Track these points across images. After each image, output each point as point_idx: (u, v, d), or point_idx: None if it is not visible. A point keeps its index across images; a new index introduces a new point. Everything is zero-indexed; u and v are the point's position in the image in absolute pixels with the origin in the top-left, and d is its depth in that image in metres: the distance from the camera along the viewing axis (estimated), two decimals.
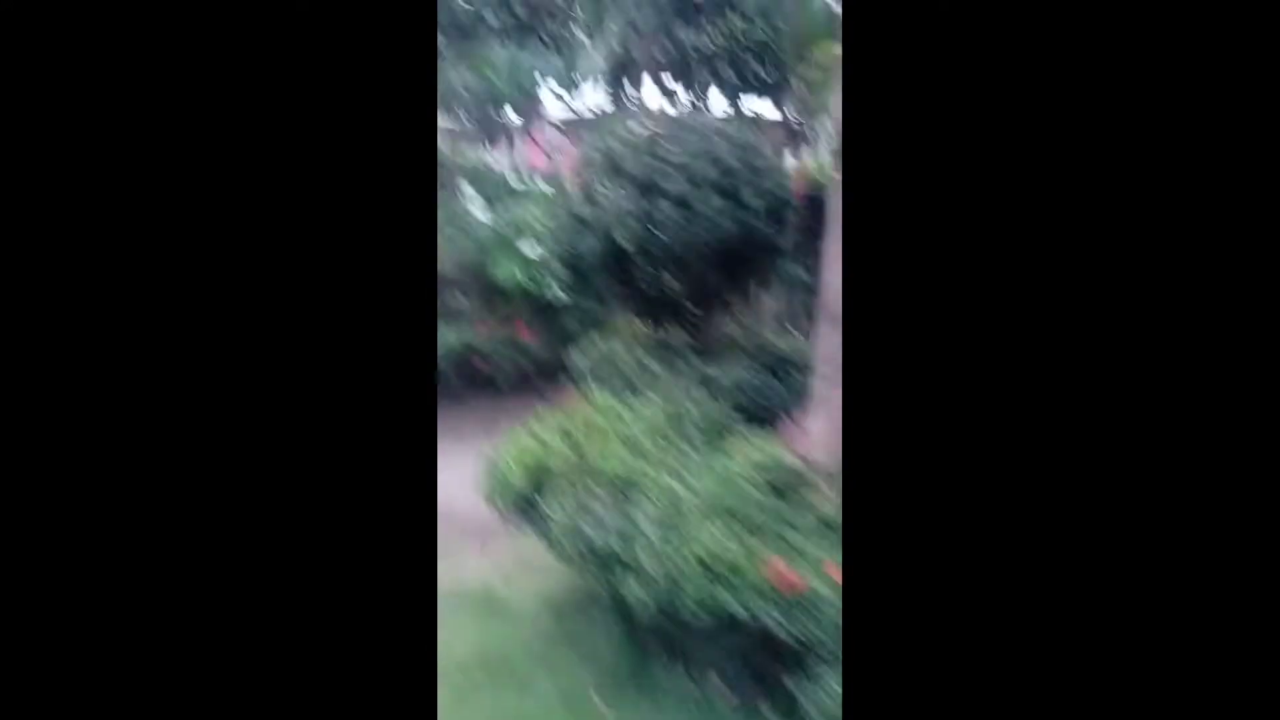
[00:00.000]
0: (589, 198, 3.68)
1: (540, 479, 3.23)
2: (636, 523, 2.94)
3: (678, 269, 3.59)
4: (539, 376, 6.42)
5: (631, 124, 3.75)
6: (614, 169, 3.64)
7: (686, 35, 7.90)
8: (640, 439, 3.22)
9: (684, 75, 8.09)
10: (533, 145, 8.48)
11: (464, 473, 4.75)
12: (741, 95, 8.31)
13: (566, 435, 3.30)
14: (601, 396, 3.61)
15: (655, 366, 3.70)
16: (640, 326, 4.07)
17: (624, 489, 3.04)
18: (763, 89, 8.29)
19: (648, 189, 3.54)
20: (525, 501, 3.29)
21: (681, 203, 3.49)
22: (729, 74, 8.33)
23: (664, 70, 8.20)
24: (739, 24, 7.73)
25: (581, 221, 3.71)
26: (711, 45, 7.98)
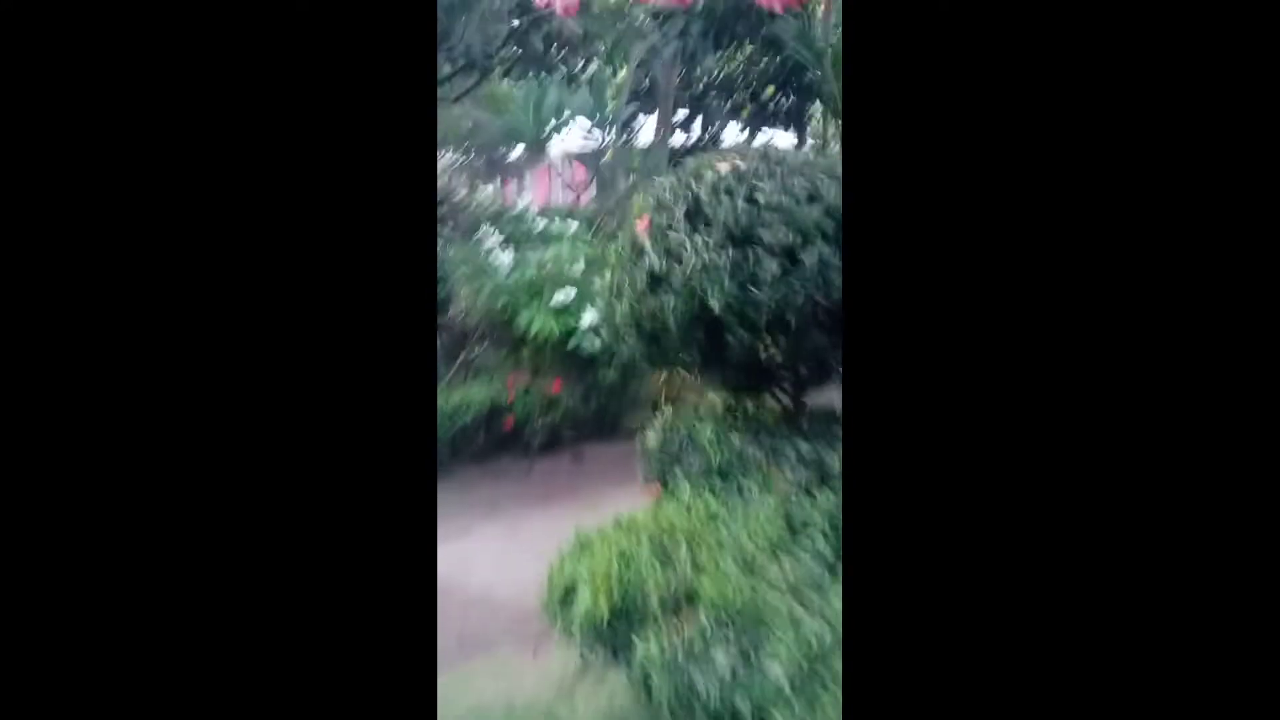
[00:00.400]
0: (667, 250, 3.07)
1: (628, 606, 2.60)
2: (759, 664, 2.32)
3: (778, 332, 2.97)
4: (576, 438, 5.88)
5: (717, 161, 3.15)
6: (697, 215, 3.03)
7: (714, 65, 7.50)
8: (752, 550, 2.59)
9: (713, 106, 7.71)
10: (552, 183, 8.00)
11: (500, 551, 4.14)
12: (770, 128, 7.95)
13: (658, 547, 2.67)
14: (692, 492, 2.98)
15: (753, 450, 3.07)
16: (725, 400, 3.45)
17: (739, 619, 2.42)
18: (789, 121, 7.91)
19: (742, 239, 2.93)
20: (606, 633, 2.66)
21: (785, 254, 2.88)
22: (757, 104, 8.00)
23: (694, 101, 7.83)
24: (768, 53, 7.36)
25: (656, 278, 3.09)
26: (742, 75, 7.61)
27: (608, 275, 3.33)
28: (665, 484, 3.26)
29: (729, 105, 8.19)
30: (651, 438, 3.53)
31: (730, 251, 2.90)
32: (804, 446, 3.06)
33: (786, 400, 3.34)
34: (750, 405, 3.39)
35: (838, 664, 2.24)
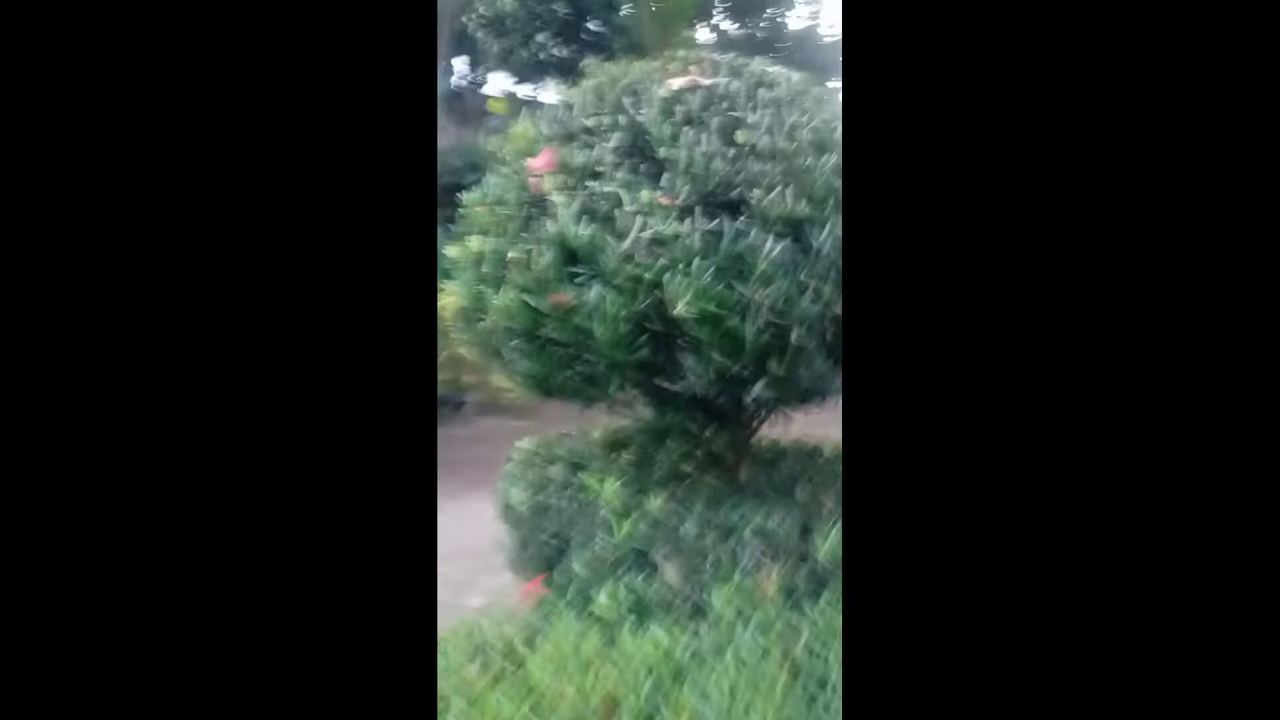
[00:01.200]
0: (587, 210, 1.89)
1: None
2: None
3: (770, 351, 1.88)
4: None
5: (668, 72, 1.97)
6: (640, 157, 1.88)
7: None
8: None
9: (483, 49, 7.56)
10: None
11: None
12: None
13: None
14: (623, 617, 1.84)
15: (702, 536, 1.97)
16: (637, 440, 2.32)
17: None
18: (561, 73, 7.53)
19: (718, 200, 1.81)
20: None
21: (789, 229, 1.80)
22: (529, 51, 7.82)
23: (460, 40, 7.88)
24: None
25: (571, 254, 1.90)
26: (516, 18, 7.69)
27: (471, 245, 2.10)
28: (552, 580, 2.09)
29: (497, 50, 8.34)
30: (516, 495, 2.31)
31: (698, 219, 1.78)
32: (770, 526, 2.01)
33: (744, 447, 2.25)
34: (695, 460, 2.26)
35: None
